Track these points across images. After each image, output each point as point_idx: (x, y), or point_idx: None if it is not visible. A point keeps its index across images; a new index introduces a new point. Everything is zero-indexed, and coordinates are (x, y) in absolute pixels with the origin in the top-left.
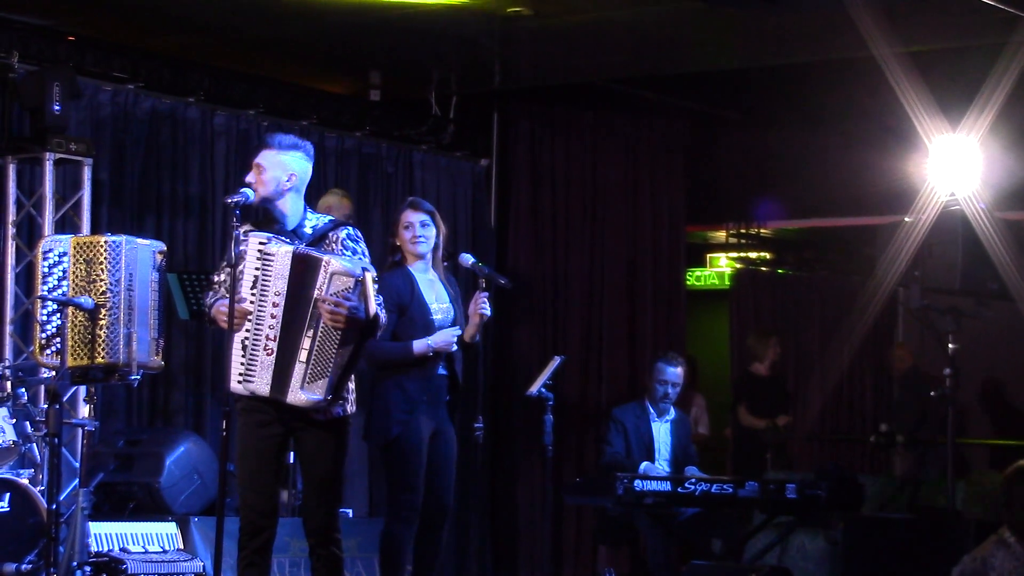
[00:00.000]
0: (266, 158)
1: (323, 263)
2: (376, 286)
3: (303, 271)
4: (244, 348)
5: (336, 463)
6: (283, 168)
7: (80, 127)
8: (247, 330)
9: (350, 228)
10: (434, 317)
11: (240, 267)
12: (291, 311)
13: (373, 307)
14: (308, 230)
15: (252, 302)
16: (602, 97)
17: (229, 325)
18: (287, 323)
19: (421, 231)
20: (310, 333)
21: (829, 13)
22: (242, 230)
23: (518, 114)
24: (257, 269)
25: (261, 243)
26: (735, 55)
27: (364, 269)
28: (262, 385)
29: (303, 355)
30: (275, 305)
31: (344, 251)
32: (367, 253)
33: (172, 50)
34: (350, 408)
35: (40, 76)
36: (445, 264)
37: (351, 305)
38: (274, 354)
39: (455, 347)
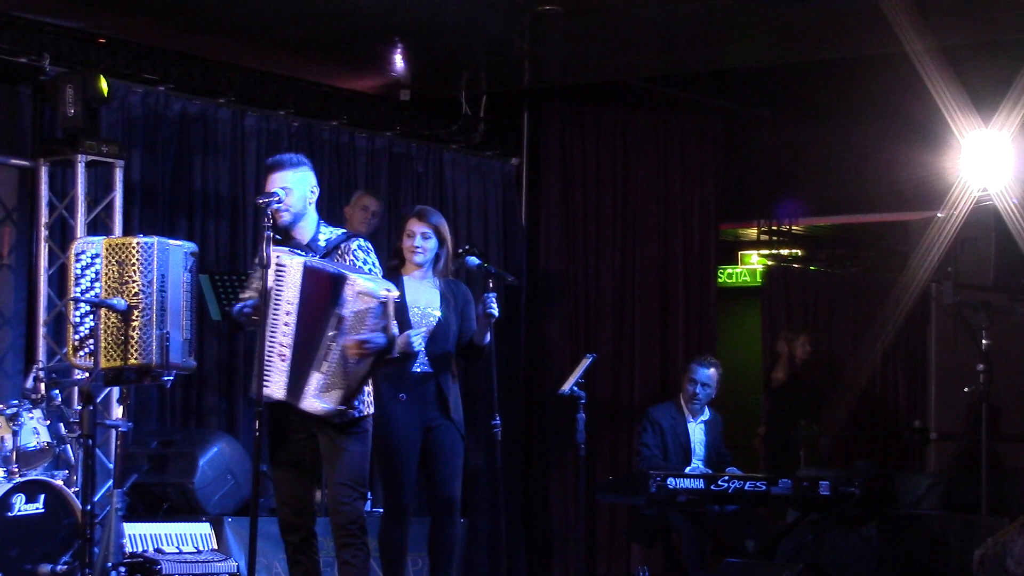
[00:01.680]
0: (287, 179)
1: (349, 281)
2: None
3: (319, 283)
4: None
5: (355, 463)
6: (305, 184)
7: (111, 129)
8: (266, 337)
9: (361, 240)
10: (411, 319)
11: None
12: (306, 320)
13: (392, 330)
14: (322, 243)
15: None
16: (632, 95)
17: (263, 321)
18: (301, 331)
19: (421, 243)
20: (330, 345)
21: (860, 9)
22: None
23: (548, 113)
24: (272, 279)
25: (277, 254)
26: (766, 52)
27: (385, 295)
28: (277, 390)
29: (322, 365)
30: (287, 314)
31: (355, 261)
32: (377, 263)
33: (203, 51)
34: (368, 409)
35: (55, 80)
36: (453, 269)
37: (372, 340)
38: (288, 360)
39: (416, 347)
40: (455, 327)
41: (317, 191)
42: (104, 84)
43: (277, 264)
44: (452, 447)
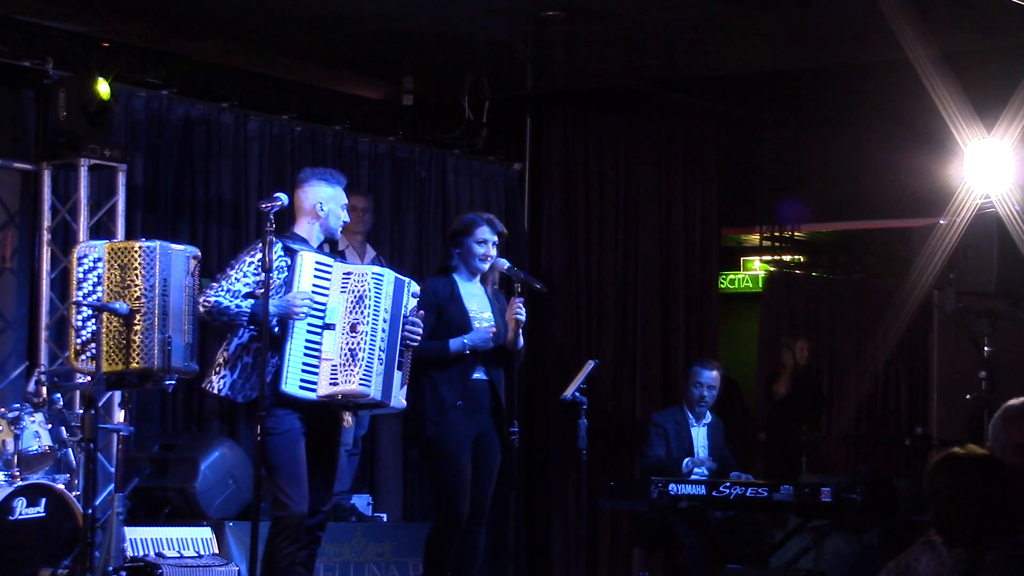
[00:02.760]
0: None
1: (407, 284)
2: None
3: (400, 292)
4: (353, 355)
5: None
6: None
7: (114, 133)
8: (355, 338)
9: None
10: (472, 319)
11: (290, 273)
12: (394, 325)
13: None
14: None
15: (360, 320)
16: (635, 100)
17: (265, 328)
18: (392, 335)
19: (493, 251)
20: (403, 345)
21: (862, 15)
22: (279, 245)
23: (551, 118)
24: (361, 286)
25: (354, 269)
26: (768, 58)
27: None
28: (378, 390)
29: (401, 364)
30: (385, 321)
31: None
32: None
33: (206, 56)
34: None
35: (52, 85)
36: (494, 282)
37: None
38: (384, 363)
39: (491, 344)
40: (503, 333)
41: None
42: (101, 87)
43: (374, 275)
44: (494, 459)
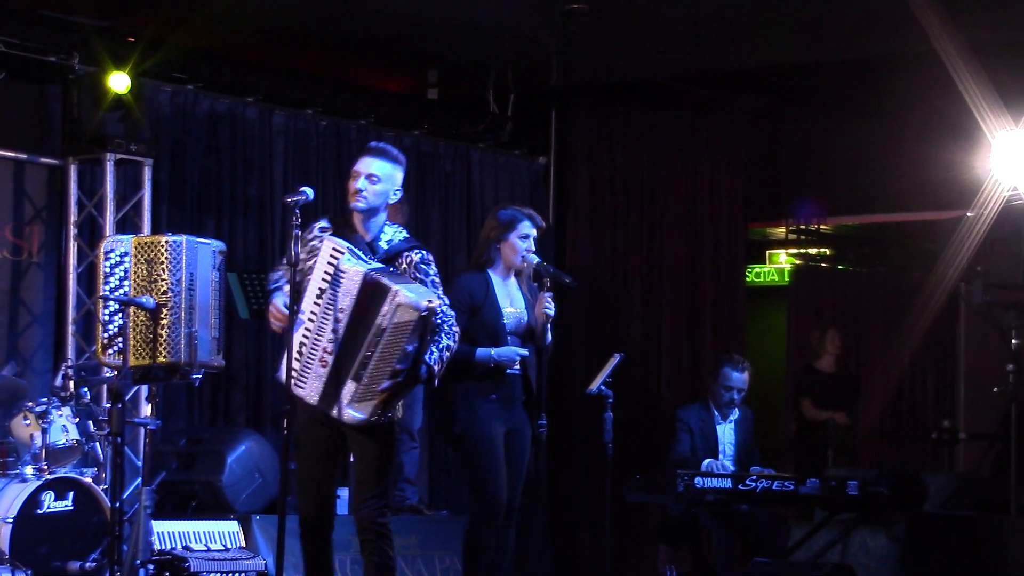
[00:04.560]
0: (380, 168)
1: (392, 292)
2: (446, 300)
3: (371, 295)
4: (300, 353)
5: (378, 465)
6: (393, 182)
7: (140, 128)
8: (305, 336)
9: (423, 251)
10: (505, 321)
11: (311, 263)
12: (352, 331)
13: (426, 349)
14: (384, 244)
15: (315, 312)
16: (661, 94)
17: (290, 325)
18: (347, 341)
19: (534, 246)
20: (367, 355)
21: (890, 7)
22: (318, 226)
23: (576, 112)
24: (326, 280)
25: (335, 254)
26: (794, 50)
27: (427, 307)
28: (312, 394)
29: (360, 375)
30: (338, 321)
31: (416, 274)
32: (439, 276)
33: (230, 50)
34: (395, 414)
35: (71, 82)
36: (528, 277)
37: (404, 366)
38: (328, 367)
39: (518, 368)
40: (537, 327)
41: (400, 195)
42: (114, 83)
43: (337, 269)
44: (524, 454)
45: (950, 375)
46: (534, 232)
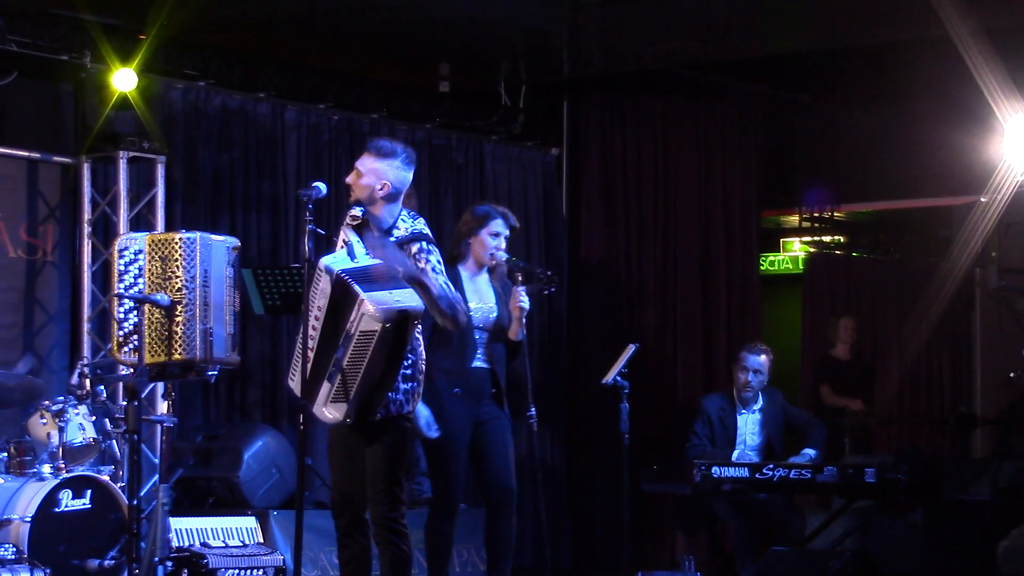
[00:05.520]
0: (364, 163)
1: (359, 300)
2: (450, 290)
3: (342, 298)
4: (302, 346)
5: (387, 460)
6: (377, 176)
7: (152, 125)
8: (307, 331)
9: (423, 242)
10: (473, 320)
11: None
12: (329, 331)
13: (401, 358)
14: (400, 233)
15: (310, 308)
16: (672, 83)
17: (304, 319)
18: (324, 341)
19: (504, 245)
20: (338, 357)
21: None
22: (350, 213)
23: (588, 102)
24: (319, 275)
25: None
26: (806, 37)
27: (393, 318)
28: (297, 388)
29: (332, 377)
30: (316, 319)
31: (417, 262)
32: (441, 262)
33: (242, 46)
34: (407, 407)
35: (86, 80)
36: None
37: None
38: (310, 363)
39: (484, 363)
40: (507, 323)
41: (394, 187)
42: (118, 81)
43: (319, 269)
44: (506, 440)
45: (966, 361)
46: (506, 231)
